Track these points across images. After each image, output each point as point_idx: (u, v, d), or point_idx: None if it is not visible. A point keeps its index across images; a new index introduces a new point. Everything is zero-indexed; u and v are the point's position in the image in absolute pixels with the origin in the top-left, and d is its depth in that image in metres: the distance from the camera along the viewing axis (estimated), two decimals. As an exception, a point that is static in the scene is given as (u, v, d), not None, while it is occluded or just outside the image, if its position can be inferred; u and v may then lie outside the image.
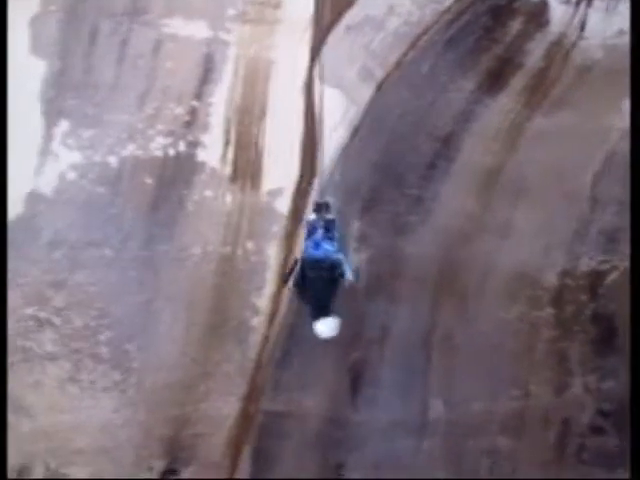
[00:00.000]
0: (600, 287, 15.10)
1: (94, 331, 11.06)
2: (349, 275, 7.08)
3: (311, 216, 7.59)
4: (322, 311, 7.10)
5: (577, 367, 15.20)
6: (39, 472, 10.72)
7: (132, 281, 11.29)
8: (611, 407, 15.18)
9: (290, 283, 7.39)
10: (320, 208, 7.70)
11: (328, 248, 7.19)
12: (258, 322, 11.73)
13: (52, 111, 10.64)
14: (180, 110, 11.22)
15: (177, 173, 11.37)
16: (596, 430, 15.17)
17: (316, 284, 7.19)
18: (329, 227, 7.37)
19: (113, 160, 10.99)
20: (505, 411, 14.99)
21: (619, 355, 15.25)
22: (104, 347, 11.13)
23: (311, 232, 7.33)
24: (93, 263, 11.21)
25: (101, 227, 11.22)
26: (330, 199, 7.54)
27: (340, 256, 7.17)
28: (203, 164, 11.44)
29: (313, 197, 11.94)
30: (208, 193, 11.48)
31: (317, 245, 7.16)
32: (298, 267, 7.18)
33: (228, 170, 11.46)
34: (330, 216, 7.51)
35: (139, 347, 11.25)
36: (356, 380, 14.01)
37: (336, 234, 7.39)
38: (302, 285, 7.23)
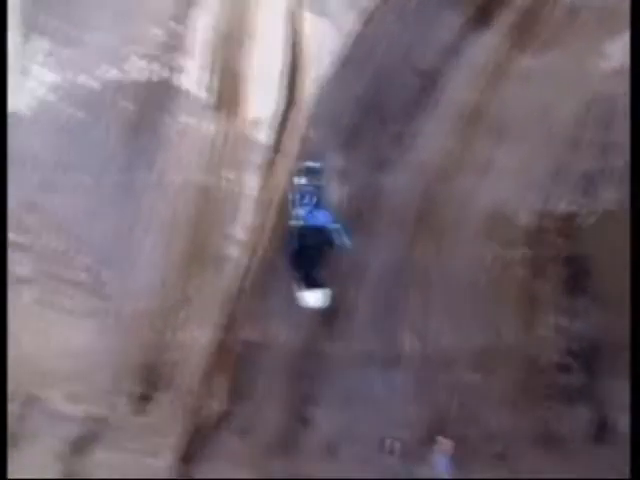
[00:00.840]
0: (575, 229, 15.30)
1: (72, 257, 10.98)
2: (347, 243, 6.74)
3: (301, 180, 7.04)
4: (314, 280, 6.66)
5: (548, 307, 15.51)
6: (20, 395, 10.75)
7: (111, 208, 11.18)
8: (579, 347, 15.57)
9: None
10: (310, 172, 7.25)
11: (324, 217, 6.71)
12: (238, 252, 11.72)
13: (31, 29, 10.32)
14: (164, 35, 10.97)
15: (159, 99, 11.17)
16: (563, 368, 15.59)
17: (311, 253, 6.83)
18: (318, 193, 6.90)
19: (94, 83, 10.74)
20: (476, 348, 15.31)
21: (590, 297, 15.59)
22: (82, 273, 11.07)
23: (301, 197, 6.82)
24: (71, 187, 11.06)
25: (80, 151, 11.05)
26: (320, 164, 7.01)
27: (337, 225, 6.78)
28: (186, 91, 11.24)
29: (296, 128, 11.91)
30: (190, 120, 11.31)
31: (312, 214, 6.70)
32: (295, 236, 6.68)
33: (211, 98, 11.27)
34: (320, 182, 6.94)
35: (118, 274, 11.21)
36: (331, 313, 14.15)
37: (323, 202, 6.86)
38: (297, 254, 6.77)
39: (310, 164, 6.87)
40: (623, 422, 15.85)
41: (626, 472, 15.03)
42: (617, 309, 15.68)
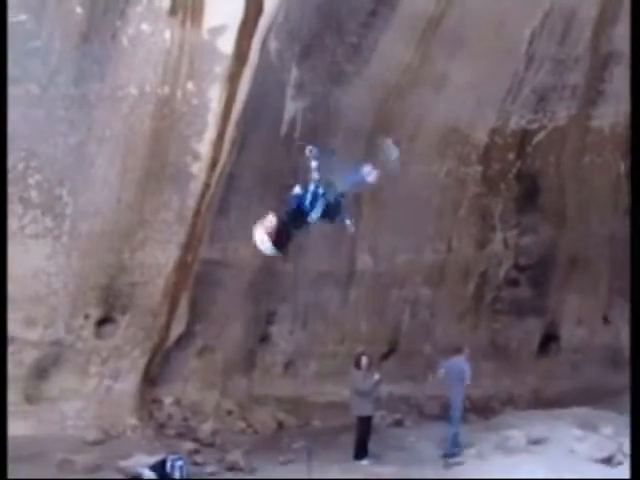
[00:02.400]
0: (527, 146, 15.36)
1: (22, 174, 10.20)
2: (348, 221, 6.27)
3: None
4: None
5: (499, 223, 15.68)
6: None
7: (61, 121, 10.35)
8: (527, 261, 15.90)
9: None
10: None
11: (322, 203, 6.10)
12: (198, 169, 11.17)
13: None
14: None
15: (110, 3, 10.28)
16: (511, 282, 15.92)
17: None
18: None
19: (38, -17, 9.77)
20: (428, 263, 15.41)
21: (539, 213, 15.83)
22: (33, 191, 10.34)
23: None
24: (16, 100, 10.14)
25: (24, 61, 10.10)
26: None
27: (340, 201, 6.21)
28: (140, -6, 10.38)
29: (259, 38, 11.26)
30: (145, 27, 10.47)
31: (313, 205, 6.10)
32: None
33: (166, 3, 10.45)
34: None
35: (71, 192, 10.51)
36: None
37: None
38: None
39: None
40: (568, 333, 16.49)
41: (573, 379, 15.70)
42: (564, 225, 16.05)
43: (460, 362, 11.44)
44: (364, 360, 11.44)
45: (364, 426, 11.11)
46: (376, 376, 11.24)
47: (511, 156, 15.37)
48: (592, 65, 14.84)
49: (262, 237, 5.76)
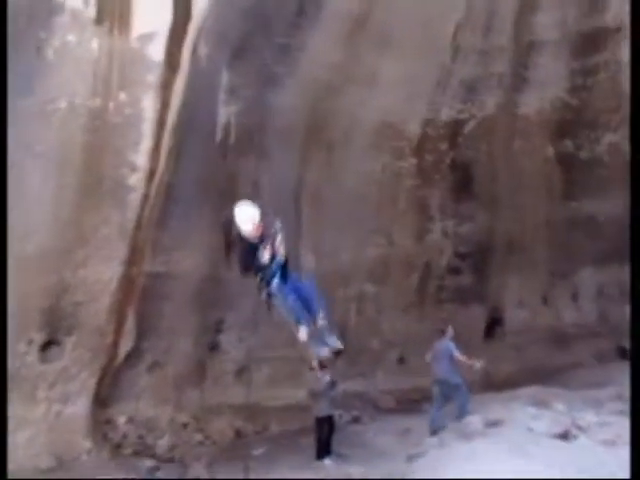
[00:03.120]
0: (459, 136, 15.61)
1: (-49, 196, 9.75)
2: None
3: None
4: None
5: (437, 214, 15.90)
6: None
7: (-11, 139, 9.96)
8: (467, 249, 16.17)
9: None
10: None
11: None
12: (136, 180, 10.92)
13: None
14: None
15: (33, 15, 9.94)
16: (453, 271, 16.16)
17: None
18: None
19: (-45, -3, 9.34)
20: (371, 259, 15.49)
21: (475, 201, 16.11)
22: (-35, 214, 9.89)
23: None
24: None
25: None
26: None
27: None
28: (62, 4, 10.06)
29: (189, 44, 11.08)
30: (70, 38, 10.17)
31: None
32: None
33: (92, 11, 10.17)
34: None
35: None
36: (229, 237, 13.73)
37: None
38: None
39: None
40: (510, 316, 16.84)
41: (519, 360, 16.07)
42: (500, 211, 16.39)
43: (445, 342, 11.93)
44: (314, 362, 11.42)
45: (324, 426, 11.08)
46: (327, 377, 11.24)
47: (444, 147, 15.59)
48: (516, 54, 15.19)
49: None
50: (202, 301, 13.08)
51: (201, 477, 10.18)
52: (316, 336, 6.68)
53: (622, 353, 15.11)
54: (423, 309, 16.03)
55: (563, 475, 8.15)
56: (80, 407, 11.06)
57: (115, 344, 11.49)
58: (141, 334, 11.97)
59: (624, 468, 7.28)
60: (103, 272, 11.00)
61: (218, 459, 11.12)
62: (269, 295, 6.51)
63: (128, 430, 11.69)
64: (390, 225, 15.56)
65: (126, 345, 11.71)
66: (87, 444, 10.90)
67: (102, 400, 11.58)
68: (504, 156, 16.00)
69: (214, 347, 13.62)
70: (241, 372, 13.90)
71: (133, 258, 11.32)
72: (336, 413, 12.35)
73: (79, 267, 10.84)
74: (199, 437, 12.28)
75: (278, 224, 6.52)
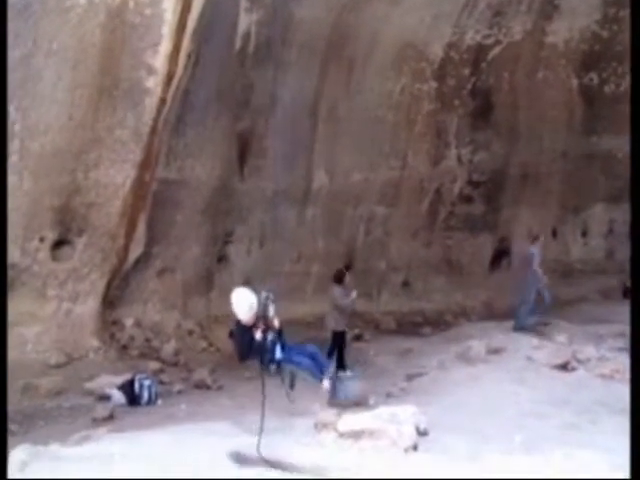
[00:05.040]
0: (482, 61, 15.27)
1: (-34, 90, 9.59)
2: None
3: None
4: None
5: (453, 140, 15.71)
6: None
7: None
8: (480, 178, 16.05)
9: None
10: None
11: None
12: (153, 83, 10.69)
13: None
14: None
15: None
16: (465, 199, 16.09)
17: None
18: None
19: None
20: (383, 181, 15.42)
21: (492, 129, 15.90)
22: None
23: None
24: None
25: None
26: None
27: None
28: None
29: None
30: None
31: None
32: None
33: None
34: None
35: (20, 108, 9.97)
36: (244, 149, 13.64)
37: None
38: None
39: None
40: (518, 248, 16.84)
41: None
42: (517, 141, 16.19)
43: (535, 249, 12.18)
44: (348, 277, 11.41)
45: (340, 340, 11.17)
46: (354, 293, 11.28)
47: (466, 72, 15.27)
48: (548, -21, 14.70)
49: None
50: (213, 211, 13.08)
51: (205, 382, 10.37)
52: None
53: (625, 292, 15.18)
54: (431, 235, 16.05)
55: (560, 403, 8.30)
56: (89, 307, 11.20)
57: (125, 248, 11.53)
58: (151, 240, 12.01)
59: (621, 401, 7.39)
60: (116, 175, 10.93)
61: (221, 367, 11.32)
62: (278, 365, 6.39)
63: (135, 332, 11.88)
64: (405, 148, 15.42)
65: (136, 249, 11.75)
66: (95, 343, 11.09)
67: (111, 302, 11.73)
68: (526, 85, 15.69)
69: (222, 258, 13.71)
70: (247, 284, 14.02)
71: (146, 163, 11.22)
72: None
73: (92, 168, 10.76)
74: (204, 344, 12.48)
75: (270, 295, 6.33)
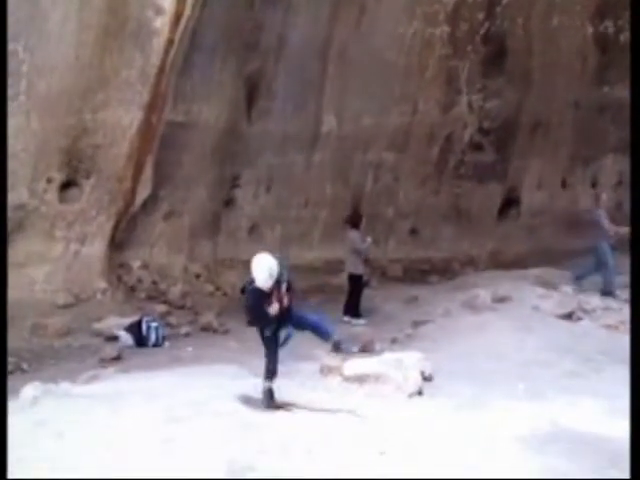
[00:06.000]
0: (497, 6, 14.92)
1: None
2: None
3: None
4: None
5: (464, 86, 15.47)
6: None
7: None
8: (491, 125, 15.87)
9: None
10: None
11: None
12: (161, 23, 10.54)
13: None
14: None
15: None
16: (475, 146, 15.95)
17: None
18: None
19: None
20: (393, 127, 15.25)
21: (505, 76, 15.64)
22: (-15, 46, 9.64)
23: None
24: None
25: None
26: None
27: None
28: None
29: None
30: None
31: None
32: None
33: None
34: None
35: (27, 48, 9.85)
36: (252, 92, 13.48)
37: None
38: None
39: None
40: (528, 197, 16.80)
41: (530, 242, 16.16)
42: (530, 89, 15.96)
43: (600, 210, 12.08)
44: (364, 220, 11.47)
45: (357, 284, 11.23)
46: (369, 238, 11.36)
47: (480, 16, 14.95)
48: None
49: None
50: (220, 155, 13.02)
51: (212, 325, 10.49)
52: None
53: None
54: (440, 182, 15.98)
55: (564, 351, 8.39)
56: (97, 248, 11.26)
57: (132, 190, 11.53)
58: (158, 182, 11.99)
59: (624, 351, 7.44)
60: (123, 116, 10.86)
61: (228, 310, 11.44)
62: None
63: (142, 275, 11.97)
64: (416, 93, 15.19)
65: (143, 192, 11.75)
66: (102, 284, 11.19)
67: (118, 244, 11.78)
68: (541, 31, 15.38)
69: (229, 202, 13.70)
70: (253, 229, 14.10)
71: (153, 104, 11.12)
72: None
73: (99, 109, 10.69)
74: (210, 288, 12.58)
75: (285, 262, 6.26)
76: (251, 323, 6.44)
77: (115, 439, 5.46)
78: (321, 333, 6.56)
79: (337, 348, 6.71)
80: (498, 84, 15.59)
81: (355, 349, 8.29)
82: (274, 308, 6.16)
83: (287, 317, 6.33)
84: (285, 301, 6.29)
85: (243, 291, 6.45)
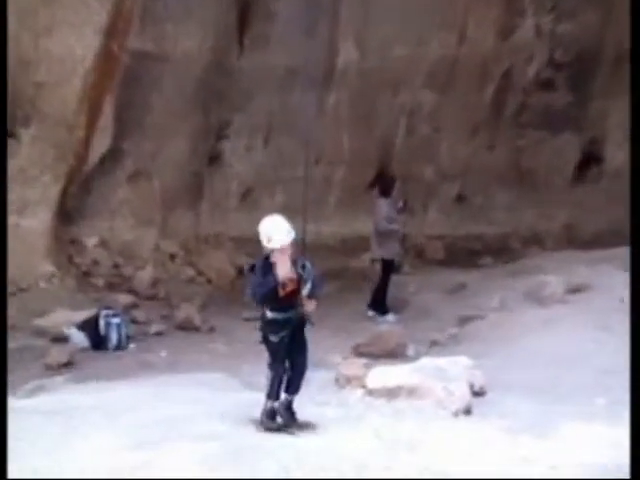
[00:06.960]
0: None
1: None
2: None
3: None
4: None
5: (529, 5, 15.45)
6: None
7: None
8: (566, 57, 15.86)
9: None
10: None
11: None
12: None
13: None
14: None
15: None
16: (544, 85, 15.95)
17: None
18: None
19: None
20: (433, 60, 15.26)
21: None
22: None
23: None
24: None
25: None
26: None
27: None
28: None
29: None
30: None
31: None
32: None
33: None
34: None
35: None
36: (245, 13, 13.53)
37: None
38: None
39: None
40: (612, 154, 16.74)
41: (613, 213, 16.15)
42: (614, 7, 15.86)
43: None
44: (398, 184, 11.52)
45: (387, 270, 11.18)
46: (401, 203, 11.41)
47: None
48: None
49: None
50: (203, 95, 13.14)
51: (192, 322, 10.57)
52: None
53: None
54: (496, 133, 16.03)
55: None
56: (40, 220, 11.40)
57: (86, 142, 11.68)
58: (121, 132, 12.16)
59: None
60: (74, 45, 11.00)
61: (213, 302, 11.55)
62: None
63: (100, 255, 12.11)
64: (464, 17, 15.21)
65: (101, 145, 11.93)
66: (48, 267, 11.32)
67: (68, 214, 11.93)
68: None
69: (215, 158, 13.85)
70: (247, 194, 14.19)
71: (114, 28, 11.29)
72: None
73: (41, 35, 10.83)
74: (190, 272, 12.71)
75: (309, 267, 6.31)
76: (259, 300, 6.43)
77: (67, 469, 5.52)
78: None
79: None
80: (574, 2, 15.54)
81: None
82: (282, 270, 6.18)
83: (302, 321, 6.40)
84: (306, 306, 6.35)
85: (252, 269, 6.43)
